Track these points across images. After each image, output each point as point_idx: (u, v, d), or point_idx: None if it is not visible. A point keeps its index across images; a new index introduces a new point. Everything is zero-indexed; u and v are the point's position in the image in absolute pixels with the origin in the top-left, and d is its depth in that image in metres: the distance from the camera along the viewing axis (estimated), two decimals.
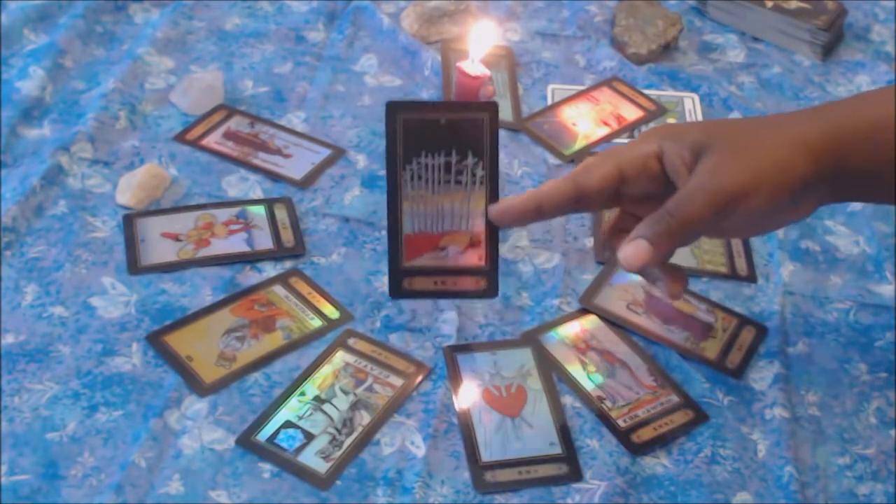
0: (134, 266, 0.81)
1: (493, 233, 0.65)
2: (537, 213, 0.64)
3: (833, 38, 1.11)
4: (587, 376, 0.76)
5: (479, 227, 0.65)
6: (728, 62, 1.10)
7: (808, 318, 0.82)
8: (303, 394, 0.73)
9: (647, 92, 1.03)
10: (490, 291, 0.66)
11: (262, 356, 0.75)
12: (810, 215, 0.67)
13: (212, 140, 0.94)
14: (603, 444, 0.72)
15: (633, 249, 0.61)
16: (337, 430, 0.71)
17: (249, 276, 0.82)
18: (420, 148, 0.63)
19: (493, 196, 0.64)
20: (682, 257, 0.85)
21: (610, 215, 0.68)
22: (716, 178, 0.61)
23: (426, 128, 0.63)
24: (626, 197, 0.65)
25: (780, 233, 0.88)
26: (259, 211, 0.87)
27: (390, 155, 0.64)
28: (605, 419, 0.73)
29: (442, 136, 0.63)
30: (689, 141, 0.63)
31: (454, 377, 0.75)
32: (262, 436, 0.70)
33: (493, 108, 0.63)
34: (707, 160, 0.62)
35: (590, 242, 0.86)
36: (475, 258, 0.65)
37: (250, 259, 0.83)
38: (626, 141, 0.97)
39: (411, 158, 0.63)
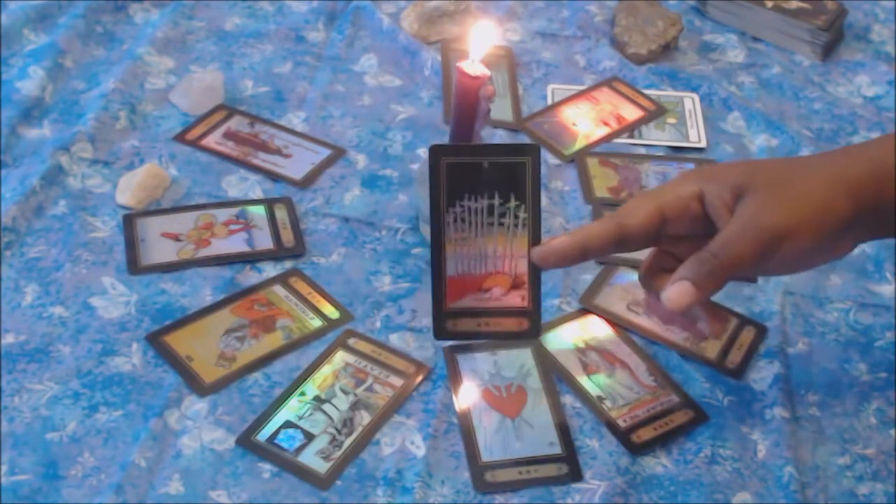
0: (134, 266, 0.81)
1: (536, 274, 0.65)
2: (581, 255, 0.64)
3: (833, 38, 1.11)
4: (587, 377, 0.76)
5: (522, 268, 0.65)
6: (728, 62, 1.10)
7: (808, 318, 0.82)
8: (303, 394, 0.73)
9: (647, 92, 1.03)
10: (532, 332, 0.66)
11: (262, 356, 0.75)
12: (845, 256, 0.67)
13: (212, 140, 0.94)
14: (603, 444, 0.72)
15: (677, 291, 0.62)
16: (337, 430, 0.71)
17: (249, 276, 0.82)
18: (463, 191, 0.64)
19: (535, 238, 0.64)
20: None
21: (646, 255, 0.68)
22: (759, 219, 0.61)
23: (469, 171, 0.64)
24: (666, 237, 0.65)
25: None
26: (259, 211, 0.87)
27: (434, 198, 0.64)
28: (605, 419, 0.73)
29: (485, 179, 0.64)
30: (730, 182, 0.63)
31: (454, 377, 0.75)
32: (262, 436, 0.70)
33: (535, 150, 0.64)
34: (749, 201, 0.62)
35: None
36: (518, 299, 0.65)
37: (250, 259, 0.83)
38: (627, 141, 0.98)
39: (454, 202, 0.64)
